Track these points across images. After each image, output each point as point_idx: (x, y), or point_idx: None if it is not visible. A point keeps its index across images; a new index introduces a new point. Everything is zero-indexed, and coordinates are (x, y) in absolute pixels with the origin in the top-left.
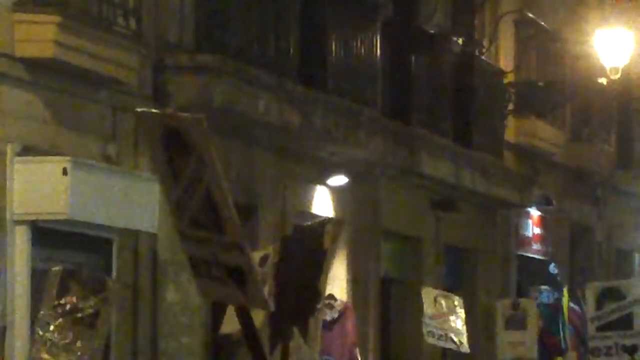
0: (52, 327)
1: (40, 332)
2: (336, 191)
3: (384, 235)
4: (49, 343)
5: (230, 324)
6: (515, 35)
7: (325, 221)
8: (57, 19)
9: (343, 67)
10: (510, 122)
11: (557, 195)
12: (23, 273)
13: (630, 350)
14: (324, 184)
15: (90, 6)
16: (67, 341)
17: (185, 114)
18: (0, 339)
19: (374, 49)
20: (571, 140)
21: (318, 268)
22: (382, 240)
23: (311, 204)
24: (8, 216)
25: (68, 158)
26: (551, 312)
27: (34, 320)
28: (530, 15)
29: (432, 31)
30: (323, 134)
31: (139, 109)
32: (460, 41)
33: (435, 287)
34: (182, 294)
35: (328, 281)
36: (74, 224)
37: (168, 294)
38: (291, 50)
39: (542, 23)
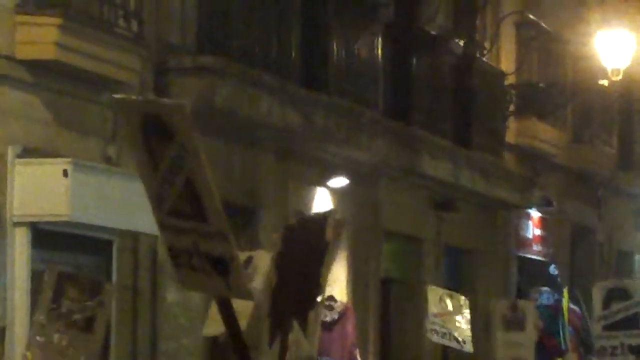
0: (47, 330)
1: (35, 335)
2: (337, 192)
3: (384, 235)
4: (43, 346)
5: (215, 325)
6: (517, 37)
7: (329, 213)
8: (58, 20)
9: (345, 68)
10: (511, 124)
11: (557, 196)
12: (23, 275)
13: (637, 350)
14: (326, 185)
15: (91, 8)
16: (62, 344)
17: (168, 100)
18: (0, 340)
19: (376, 50)
20: (572, 142)
21: (320, 260)
22: (382, 241)
23: (312, 205)
24: (8, 218)
25: (69, 160)
26: (551, 314)
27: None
28: (532, 16)
29: (434, 33)
30: (325, 135)
31: (116, 96)
32: (461, 42)
33: None
34: (182, 295)
35: (328, 282)
36: (74, 226)
37: (168, 295)
38: (293, 52)
39: (544, 24)
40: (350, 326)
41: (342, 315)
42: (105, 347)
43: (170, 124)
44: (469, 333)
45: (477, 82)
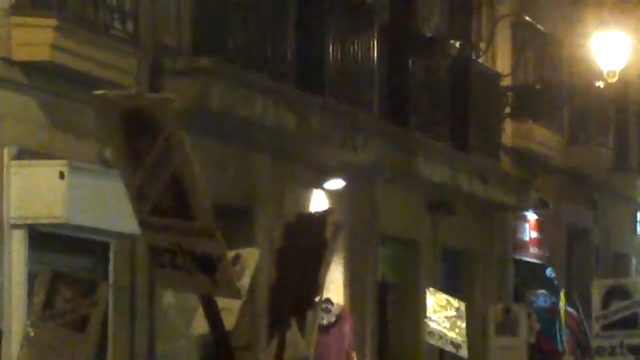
0: (40, 330)
1: (29, 335)
2: (333, 194)
3: (381, 238)
4: (36, 346)
5: (204, 323)
6: (512, 39)
7: (328, 211)
8: (54, 22)
9: (340, 70)
10: (507, 126)
11: (554, 198)
12: (20, 277)
13: (635, 350)
14: (321, 187)
15: (87, 10)
16: (55, 344)
17: (154, 94)
18: None
19: (371, 52)
20: (568, 144)
21: (318, 259)
22: (379, 244)
23: (308, 207)
24: (5, 220)
25: (65, 162)
26: (548, 316)
27: None
28: (527, 18)
29: (429, 34)
30: (320, 137)
31: (97, 92)
32: (457, 44)
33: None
34: (178, 297)
35: (325, 284)
36: (71, 228)
37: (165, 296)
38: (288, 54)
39: (539, 26)
40: (347, 329)
41: (339, 317)
42: (103, 349)
43: (155, 118)
44: (464, 338)
45: (473, 84)
